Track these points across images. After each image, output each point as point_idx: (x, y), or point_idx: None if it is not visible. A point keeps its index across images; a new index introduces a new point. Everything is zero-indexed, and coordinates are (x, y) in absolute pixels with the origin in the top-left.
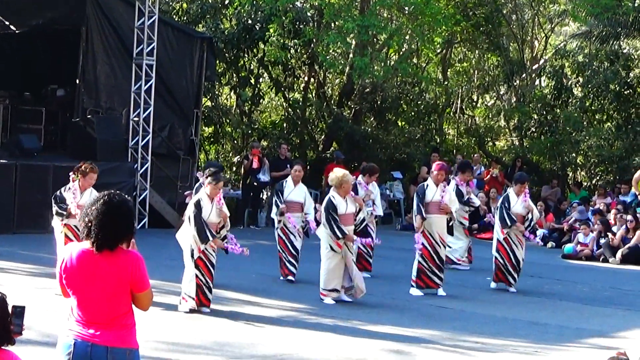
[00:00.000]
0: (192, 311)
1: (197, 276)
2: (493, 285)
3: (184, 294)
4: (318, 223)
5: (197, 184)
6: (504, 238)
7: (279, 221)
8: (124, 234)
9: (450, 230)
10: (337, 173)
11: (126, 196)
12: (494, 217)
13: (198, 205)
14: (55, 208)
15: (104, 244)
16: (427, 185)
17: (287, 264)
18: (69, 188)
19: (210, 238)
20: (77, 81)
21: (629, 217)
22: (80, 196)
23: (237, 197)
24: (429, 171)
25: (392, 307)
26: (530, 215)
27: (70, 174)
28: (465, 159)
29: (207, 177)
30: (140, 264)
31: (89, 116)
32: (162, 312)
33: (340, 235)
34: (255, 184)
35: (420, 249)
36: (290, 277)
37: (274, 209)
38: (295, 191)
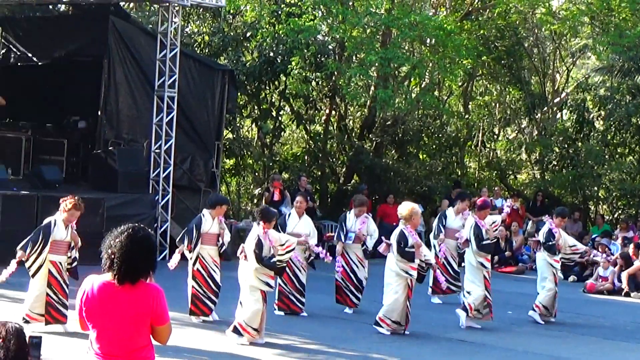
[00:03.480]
0: (251, 343)
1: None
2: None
3: (246, 325)
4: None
5: (197, 217)
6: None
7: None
8: (146, 269)
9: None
10: (407, 206)
11: (149, 230)
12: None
13: (259, 244)
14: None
15: (126, 277)
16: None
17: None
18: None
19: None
20: (99, 113)
21: None
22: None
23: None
24: (451, 204)
25: (414, 338)
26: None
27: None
28: (487, 193)
29: (262, 218)
30: (161, 297)
31: (110, 148)
32: (182, 345)
33: (414, 261)
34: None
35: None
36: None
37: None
38: (300, 224)
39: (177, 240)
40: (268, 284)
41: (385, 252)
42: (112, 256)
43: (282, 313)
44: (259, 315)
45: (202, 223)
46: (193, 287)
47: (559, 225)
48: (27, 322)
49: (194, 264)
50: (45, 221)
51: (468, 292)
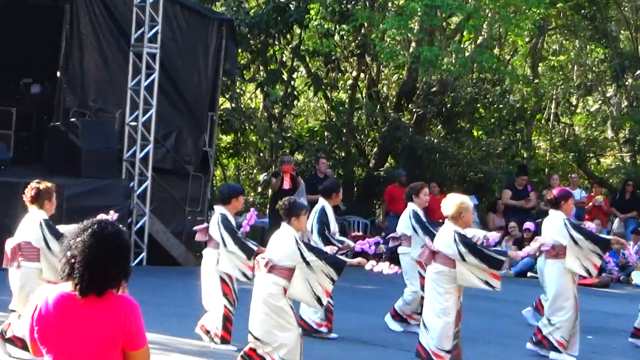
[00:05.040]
0: None
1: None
2: None
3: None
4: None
5: (223, 219)
6: None
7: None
8: (117, 275)
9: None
10: (453, 201)
11: (120, 226)
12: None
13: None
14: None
15: (91, 287)
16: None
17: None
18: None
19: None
20: (58, 74)
21: None
22: None
23: (263, 226)
24: (515, 195)
25: None
26: None
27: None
28: (558, 181)
29: (288, 213)
30: (136, 313)
31: (72, 119)
32: None
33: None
34: None
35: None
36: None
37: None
38: (333, 220)
39: (252, 259)
40: (320, 300)
41: (429, 261)
42: (72, 260)
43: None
44: (299, 346)
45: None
46: (225, 307)
47: None
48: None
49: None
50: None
51: (550, 322)
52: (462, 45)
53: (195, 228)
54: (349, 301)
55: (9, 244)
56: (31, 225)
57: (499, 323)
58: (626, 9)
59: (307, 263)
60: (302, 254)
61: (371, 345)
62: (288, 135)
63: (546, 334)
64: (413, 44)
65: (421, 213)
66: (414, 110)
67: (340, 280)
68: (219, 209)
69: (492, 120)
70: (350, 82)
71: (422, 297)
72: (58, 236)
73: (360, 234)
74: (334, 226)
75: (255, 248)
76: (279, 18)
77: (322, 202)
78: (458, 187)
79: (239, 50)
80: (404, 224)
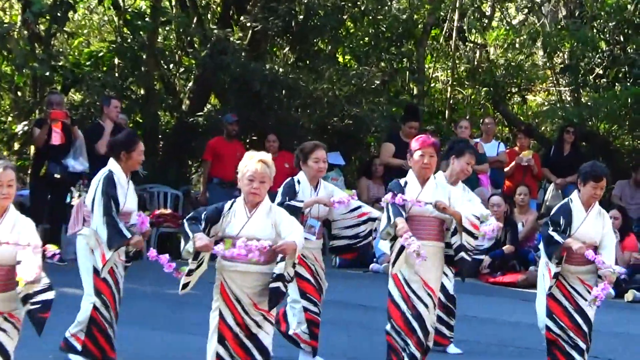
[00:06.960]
0: None
1: None
2: None
3: None
4: None
5: None
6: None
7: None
8: None
9: None
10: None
11: None
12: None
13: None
14: None
15: None
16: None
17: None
18: None
19: None
20: None
21: None
22: None
23: (22, 200)
24: (401, 152)
25: None
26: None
27: None
28: (469, 129)
29: None
30: None
31: None
32: None
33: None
34: (57, 175)
35: None
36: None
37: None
38: (128, 191)
39: None
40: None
41: None
42: None
43: None
44: None
45: None
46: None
47: (591, 197)
48: None
49: None
50: None
51: None
52: None
53: None
54: (143, 311)
55: None
56: None
57: None
58: None
59: None
60: None
61: None
62: (60, 64)
63: None
64: None
65: (305, 185)
66: (249, 25)
67: (148, 284)
68: None
69: (366, 39)
70: None
71: (304, 308)
72: None
73: (169, 211)
74: (128, 201)
75: None
76: None
77: (109, 165)
78: (315, 139)
79: None
80: None
